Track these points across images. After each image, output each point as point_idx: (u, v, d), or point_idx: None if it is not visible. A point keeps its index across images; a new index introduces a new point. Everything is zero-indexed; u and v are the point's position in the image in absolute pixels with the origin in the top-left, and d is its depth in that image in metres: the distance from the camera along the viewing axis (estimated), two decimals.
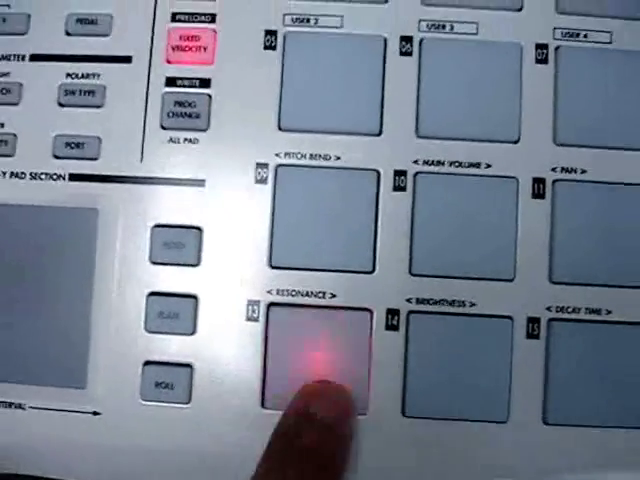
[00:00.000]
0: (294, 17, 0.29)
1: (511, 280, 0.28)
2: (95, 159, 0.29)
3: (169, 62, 0.29)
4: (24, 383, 0.29)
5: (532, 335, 0.28)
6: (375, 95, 0.29)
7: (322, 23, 0.29)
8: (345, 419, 0.26)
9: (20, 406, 0.29)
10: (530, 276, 0.28)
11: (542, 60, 0.29)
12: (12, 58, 0.30)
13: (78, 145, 0.29)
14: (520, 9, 0.29)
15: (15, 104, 0.30)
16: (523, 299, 0.28)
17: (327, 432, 0.25)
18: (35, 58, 0.30)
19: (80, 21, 0.30)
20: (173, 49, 0.29)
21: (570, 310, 0.28)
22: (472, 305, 0.28)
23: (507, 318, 0.28)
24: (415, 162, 0.28)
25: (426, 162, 0.28)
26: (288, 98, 0.29)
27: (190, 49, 0.29)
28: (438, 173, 0.28)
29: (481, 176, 0.28)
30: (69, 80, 0.30)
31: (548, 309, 0.28)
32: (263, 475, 0.24)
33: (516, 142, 0.28)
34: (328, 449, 0.25)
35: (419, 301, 0.28)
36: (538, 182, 0.28)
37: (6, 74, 0.30)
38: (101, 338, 0.29)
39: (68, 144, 0.29)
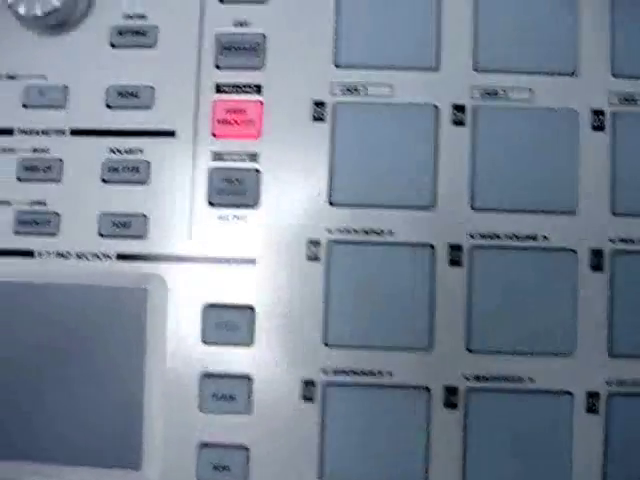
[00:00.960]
0: (343, 87, 0.28)
1: (570, 355, 0.27)
2: (142, 237, 0.28)
3: (215, 136, 0.29)
4: (76, 465, 0.29)
5: (592, 410, 0.27)
6: (428, 166, 0.28)
7: (372, 92, 0.28)
8: None
9: None
10: (590, 350, 0.27)
11: (599, 127, 0.28)
12: (51, 133, 0.29)
13: (124, 224, 0.28)
14: (574, 74, 0.28)
15: (57, 181, 0.29)
16: (583, 374, 0.27)
17: None
18: (75, 133, 0.29)
19: (121, 94, 0.29)
20: (219, 122, 0.29)
21: (630, 383, 0.27)
22: (531, 381, 0.28)
23: (567, 394, 0.27)
24: (471, 236, 0.28)
25: (482, 235, 0.28)
26: (338, 171, 0.28)
27: (236, 122, 0.28)
28: (494, 247, 0.28)
29: (538, 249, 0.28)
30: (112, 156, 0.29)
31: (608, 384, 0.27)
32: None
33: (574, 213, 0.28)
34: None
35: (478, 378, 0.28)
36: (595, 254, 0.28)
37: (45, 150, 0.29)
38: (154, 419, 0.28)
39: (114, 223, 0.28)
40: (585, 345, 0.28)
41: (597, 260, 0.28)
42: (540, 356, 0.28)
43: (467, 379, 0.28)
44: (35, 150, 0.29)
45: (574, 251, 0.28)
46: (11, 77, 0.29)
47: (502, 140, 0.28)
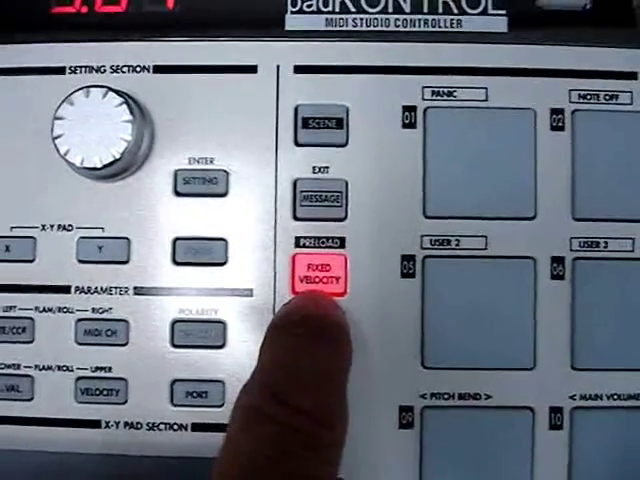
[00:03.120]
0: (433, 239, 0.26)
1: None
2: (220, 406, 0.26)
3: (296, 294, 0.26)
4: None
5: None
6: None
7: (464, 245, 0.26)
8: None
9: None
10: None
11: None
12: (114, 291, 0.26)
13: (200, 394, 0.26)
14: None
15: (122, 345, 0.26)
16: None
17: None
18: (140, 292, 0.26)
19: (190, 248, 0.26)
20: (300, 280, 0.26)
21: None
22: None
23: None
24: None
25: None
26: (431, 326, 0.26)
27: (320, 280, 0.26)
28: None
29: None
30: (182, 316, 0.26)
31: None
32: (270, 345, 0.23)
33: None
34: (332, 317, 0.24)
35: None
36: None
37: (108, 310, 0.26)
38: None
39: (189, 392, 0.26)
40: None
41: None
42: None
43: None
44: (95, 310, 0.26)
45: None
46: (66, 229, 0.27)
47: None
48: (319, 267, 0.26)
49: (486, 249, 0.26)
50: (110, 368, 0.26)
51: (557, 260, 0.26)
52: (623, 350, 0.26)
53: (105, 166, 0.25)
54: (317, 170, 0.26)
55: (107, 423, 0.26)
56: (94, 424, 0.26)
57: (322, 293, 0.26)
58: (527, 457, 0.26)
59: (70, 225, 0.27)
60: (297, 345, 0.23)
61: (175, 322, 0.26)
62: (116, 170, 0.26)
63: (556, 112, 0.27)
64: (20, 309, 0.26)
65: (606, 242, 0.26)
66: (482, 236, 0.26)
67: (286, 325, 0.24)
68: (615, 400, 0.26)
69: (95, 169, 0.25)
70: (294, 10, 0.27)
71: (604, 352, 0.26)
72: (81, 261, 0.27)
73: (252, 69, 0.27)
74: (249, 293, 0.26)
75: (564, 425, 0.26)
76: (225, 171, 0.27)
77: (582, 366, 0.26)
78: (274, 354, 0.23)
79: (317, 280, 0.26)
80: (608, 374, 0.26)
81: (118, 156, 0.25)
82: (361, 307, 0.26)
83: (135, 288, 0.26)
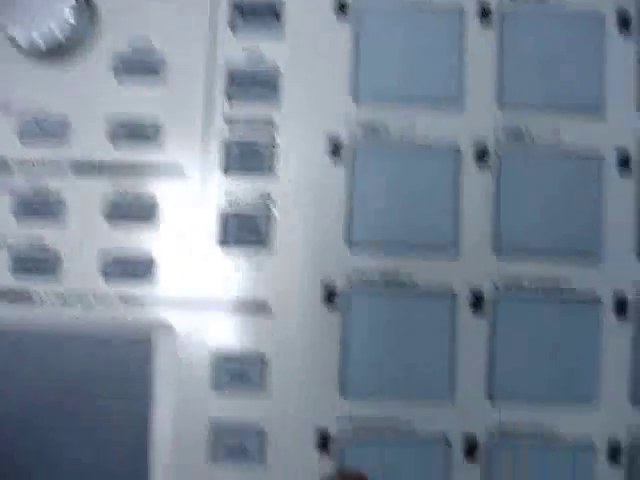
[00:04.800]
0: (361, 125, 0.27)
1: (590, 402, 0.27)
2: (149, 281, 0.27)
3: (226, 174, 0.27)
4: None
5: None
6: (449, 208, 0.27)
7: (393, 132, 0.27)
8: None
9: None
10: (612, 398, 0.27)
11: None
12: (52, 168, 0.27)
13: (130, 266, 0.27)
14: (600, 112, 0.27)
15: (58, 220, 0.27)
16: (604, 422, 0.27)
17: None
18: (76, 167, 0.27)
19: (126, 127, 0.27)
20: (229, 159, 0.27)
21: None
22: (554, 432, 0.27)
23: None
24: (495, 286, 0.27)
25: (506, 285, 0.27)
26: (357, 212, 0.27)
27: (248, 160, 0.27)
28: (518, 296, 0.27)
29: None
30: (116, 193, 0.27)
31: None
32: None
33: (596, 256, 0.27)
34: None
35: (502, 430, 0.27)
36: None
37: (46, 186, 0.27)
38: (163, 470, 0.27)
39: (119, 264, 0.27)
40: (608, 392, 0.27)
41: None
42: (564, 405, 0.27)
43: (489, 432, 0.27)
44: (34, 187, 0.27)
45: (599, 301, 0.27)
46: (6, 107, 0.28)
47: (527, 182, 0.27)
48: (246, 145, 0.27)
49: None
50: (45, 244, 0.27)
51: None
52: None
53: (48, 48, 0.26)
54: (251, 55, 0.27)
55: (40, 297, 0.27)
56: (27, 298, 0.27)
57: None
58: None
59: (11, 103, 0.28)
60: None
61: (108, 198, 0.27)
62: (58, 52, 0.27)
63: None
64: None
65: None
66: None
67: None
68: None
69: (38, 50, 0.26)
70: None
71: None
72: (21, 137, 0.27)
73: None
74: (181, 172, 0.27)
75: None
76: (162, 56, 0.28)
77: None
78: None
79: (246, 160, 0.27)
80: None
81: (61, 38, 0.26)
82: (288, 188, 0.27)
83: (71, 163, 0.27)
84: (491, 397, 0.27)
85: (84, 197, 0.27)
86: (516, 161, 0.27)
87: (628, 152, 0.27)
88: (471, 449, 0.27)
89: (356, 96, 0.27)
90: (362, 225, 0.27)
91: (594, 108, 0.27)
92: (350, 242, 0.27)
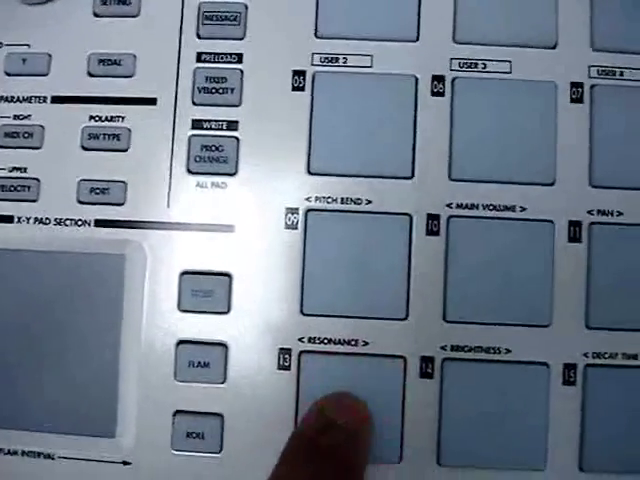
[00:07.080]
0: (323, 57, 0.29)
1: (547, 326, 0.27)
2: (121, 204, 0.28)
3: (195, 104, 0.29)
4: (53, 432, 0.28)
5: (569, 382, 0.27)
6: (406, 137, 0.28)
7: (351, 63, 0.29)
8: (363, 423, 0.26)
9: (49, 456, 0.28)
10: (567, 322, 0.27)
11: (577, 99, 0.28)
12: (33, 100, 0.29)
13: (103, 190, 0.28)
14: (554, 47, 0.28)
15: (37, 148, 0.29)
16: (559, 345, 0.27)
17: (347, 433, 0.25)
18: (57, 100, 0.29)
19: (102, 62, 0.29)
20: (199, 90, 0.29)
21: (607, 356, 0.27)
22: (507, 352, 0.27)
23: (543, 365, 0.27)
24: (448, 206, 0.28)
25: (459, 205, 0.28)
26: (317, 141, 0.28)
27: (217, 90, 0.29)
28: (472, 217, 0.28)
29: (516, 219, 0.28)
30: (92, 123, 0.29)
31: (585, 355, 0.27)
32: (283, 475, 0.24)
33: (552, 184, 0.28)
34: (350, 449, 0.25)
35: (453, 348, 0.27)
36: (574, 225, 0.28)
37: (27, 116, 0.29)
38: (130, 387, 0.28)
39: (93, 189, 0.29)
40: (562, 317, 0.27)
41: (575, 231, 0.28)
42: (516, 327, 0.27)
43: (443, 349, 0.27)
44: (16, 117, 0.29)
45: (552, 222, 0.28)
46: None
47: (481, 112, 0.28)
48: (216, 79, 0.29)
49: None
50: (25, 169, 0.29)
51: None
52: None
53: None
54: None
55: (19, 218, 0.29)
56: (8, 219, 0.29)
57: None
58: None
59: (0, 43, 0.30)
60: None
61: (85, 127, 0.29)
62: None
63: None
64: None
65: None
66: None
67: (311, 453, 0.25)
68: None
69: None
70: None
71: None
72: (7, 73, 0.29)
73: None
74: (153, 102, 0.29)
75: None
76: None
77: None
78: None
79: (213, 90, 0.29)
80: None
81: None
82: (253, 120, 0.29)
83: (52, 97, 0.29)
84: (444, 317, 0.28)
85: (63, 126, 0.29)
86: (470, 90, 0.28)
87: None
88: (427, 366, 0.27)
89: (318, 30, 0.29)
90: (321, 153, 0.28)
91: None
92: (309, 169, 0.28)
